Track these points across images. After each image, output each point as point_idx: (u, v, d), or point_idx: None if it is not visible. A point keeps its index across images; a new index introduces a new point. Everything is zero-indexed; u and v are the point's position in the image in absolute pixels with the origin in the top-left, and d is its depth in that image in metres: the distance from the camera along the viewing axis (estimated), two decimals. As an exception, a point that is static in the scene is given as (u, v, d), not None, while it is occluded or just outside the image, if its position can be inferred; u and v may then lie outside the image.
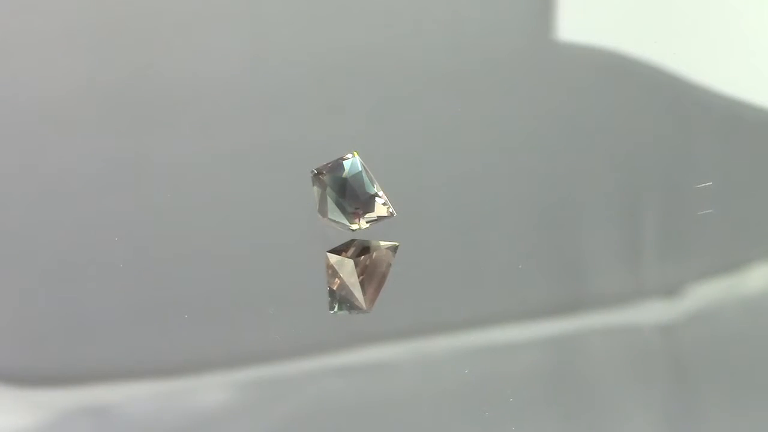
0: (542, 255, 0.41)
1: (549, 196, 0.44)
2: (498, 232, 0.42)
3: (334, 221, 0.40)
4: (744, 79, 0.50)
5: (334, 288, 0.39)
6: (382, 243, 0.40)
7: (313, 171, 0.40)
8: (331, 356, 0.37)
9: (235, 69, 0.50)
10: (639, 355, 0.37)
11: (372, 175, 0.40)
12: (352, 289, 0.39)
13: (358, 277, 0.39)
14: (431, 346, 0.38)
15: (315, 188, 0.40)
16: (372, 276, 0.39)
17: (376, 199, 0.40)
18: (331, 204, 0.40)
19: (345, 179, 0.40)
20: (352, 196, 0.40)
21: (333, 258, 0.40)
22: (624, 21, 0.54)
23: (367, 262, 0.40)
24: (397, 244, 0.40)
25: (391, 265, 0.39)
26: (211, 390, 0.36)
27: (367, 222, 0.40)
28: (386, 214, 0.40)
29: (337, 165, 0.40)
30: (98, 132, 0.47)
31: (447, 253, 0.41)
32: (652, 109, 0.49)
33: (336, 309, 0.38)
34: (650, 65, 0.50)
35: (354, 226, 0.40)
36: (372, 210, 0.40)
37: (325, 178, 0.40)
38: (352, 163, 0.40)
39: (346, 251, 0.40)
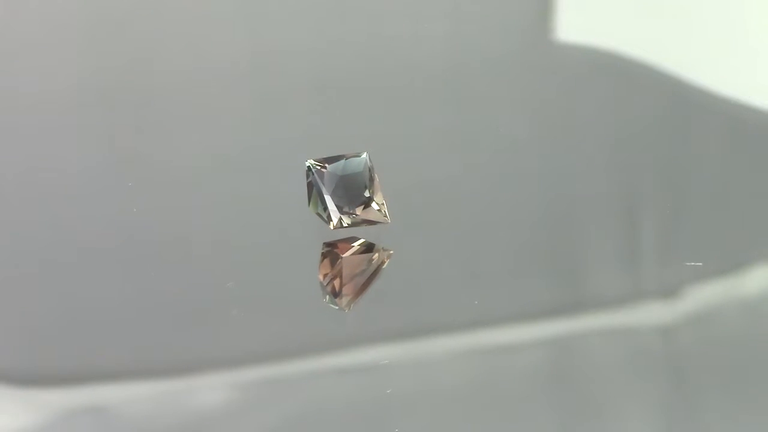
0: (541, 256, 0.41)
1: (548, 197, 0.44)
2: (497, 232, 0.42)
3: (318, 215, 0.40)
4: (744, 79, 0.50)
5: (324, 282, 0.39)
6: (377, 246, 0.40)
7: (307, 163, 0.39)
8: (331, 356, 0.37)
9: (235, 67, 0.50)
10: (638, 356, 0.37)
11: (375, 179, 0.39)
12: (336, 285, 0.39)
13: (344, 276, 0.39)
14: (430, 347, 0.38)
15: (308, 180, 0.40)
16: (359, 277, 0.39)
17: (373, 204, 0.39)
18: (318, 198, 0.39)
19: (339, 176, 0.39)
20: (341, 195, 0.39)
21: (326, 251, 0.40)
22: (623, 21, 0.54)
23: (359, 263, 0.40)
24: (391, 251, 0.40)
25: (381, 269, 0.39)
26: (211, 390, 0.36)
27: (352, 223, 0.40)
28: (380, 220, 0.40)
29: (338, 160, 0.39)
30: (97, 131, 0.47)
31: (446, 253, 0.41)
32: (652, 109, 0.49)
33: (326, 299, 0.39)
34: (650, 65, 0.50)
35: (331, 226, 0.39)
36: (360, 212, 0.39)
37: (323, 171, 0.39)
38: (357, 162, 0.39)
39: (340, 248, 0.40)
